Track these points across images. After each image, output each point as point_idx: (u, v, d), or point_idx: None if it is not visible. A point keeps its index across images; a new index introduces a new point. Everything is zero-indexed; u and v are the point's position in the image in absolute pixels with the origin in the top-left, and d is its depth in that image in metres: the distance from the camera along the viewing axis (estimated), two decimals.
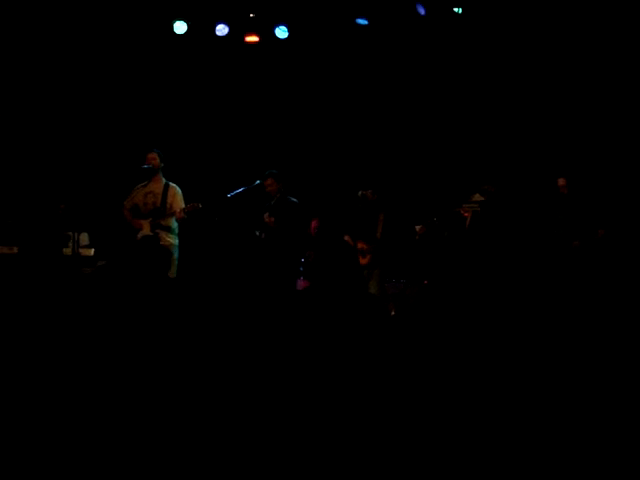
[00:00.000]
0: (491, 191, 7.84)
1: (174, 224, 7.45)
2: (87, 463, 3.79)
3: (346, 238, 7.91)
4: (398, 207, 7.97)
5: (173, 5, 9.13)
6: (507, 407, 4.72)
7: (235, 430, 4.37)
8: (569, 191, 7.82)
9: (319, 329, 6.76)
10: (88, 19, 9.00)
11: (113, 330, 7.00)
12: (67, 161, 9.17)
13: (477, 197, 7.75)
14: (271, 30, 9.24)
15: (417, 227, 7.79)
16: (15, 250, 7.87)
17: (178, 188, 7.52)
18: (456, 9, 8.91)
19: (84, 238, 8.15)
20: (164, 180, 7.53)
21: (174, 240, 7.46)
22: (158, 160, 7.50)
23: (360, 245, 7.74)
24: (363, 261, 7.73)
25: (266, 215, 7.77)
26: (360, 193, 7.84)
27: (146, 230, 7.39)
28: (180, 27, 9.14)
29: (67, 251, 7.86)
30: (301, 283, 8.42)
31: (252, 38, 9.34)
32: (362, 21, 9.15)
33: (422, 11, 8.91)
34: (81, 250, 7.89)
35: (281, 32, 9.22)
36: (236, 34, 9.30)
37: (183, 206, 7.35)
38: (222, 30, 9.20)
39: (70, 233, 7.88)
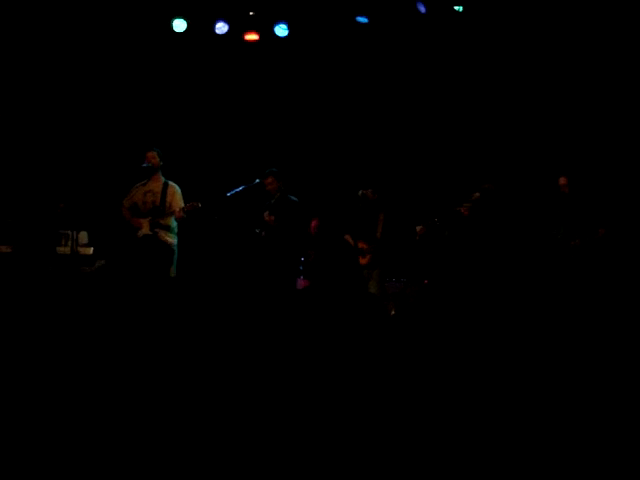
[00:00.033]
0: (491, 190, 7.82)
1: (173, 223, 7.43)
2: (87, 463, 3.77)
3: (346, 238, 7.90)
4: (398, 207, 7.95)
5: (172, 3, 9.10)
6: (507, 406, 4.71)
7: (235, 429, 4.35)
8: (570, 190, 7.80)
9: (319, 328, 6.74)
10: (87, 17, 8.97)
11: (113, 329, 6.98)
12: (66, 160, 9.14)
13: (477, 196, 7.73)
14: (271, 28, 9.21)
15: (417, 227, 7.77)
16: (9, 249, 7.85)
17: (177, 187, 7.50)
18: (457, 7, 8.89)
19: (83, 237, 8.13)
20: (163, 179, 7.51)
21: (173, 239, 7.44)
22: (157, 159, 7.48)
23: (360, 245, 7.73)
24: (363, 261, 7.72)
25: (266, 214, 7.75)
26: (360, 192, 7.82)
27: (145, 229, 7.37)
28: (179, 25, 9.11)
29: (66, 250, 7.85)
30: (301, 282, 8.40)
31: (252, 36, 9.31)
32: (362, 19, 9.12)
33: (422, 9, 8.89)
34: (80, 249, 7.87)
35: (281, 30, 9.19)
36: (236, 32, 9.27)
37: (182, 205, 7.32)
38: (222, 28, 9.18)
39: (68, 232, 7.86)
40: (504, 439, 4.14)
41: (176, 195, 7.44)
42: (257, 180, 7.75)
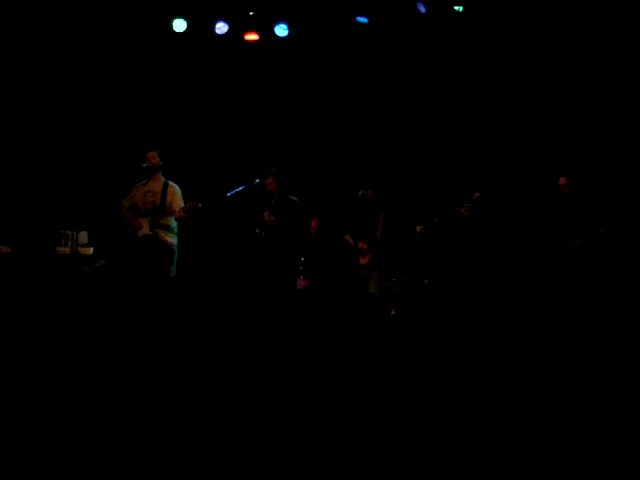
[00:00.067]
0: (491, 190, 7.82)
1: (173, 223, 7.42)
2: (87, 462, 3.76)
3: (346, 238, 7.90)
4: (398, 207, 7.95)
5: (172, 3, 9.10)
6: (506, 406, 4.71)
7: (234, 428, 4.35)
8: (570, 190, 7.80)
9: (318, 328, 6.74)
10: (87, 17, 8.97)
11: (113, 329, 6.98)
12: (66, 160, 9.14)
13: (477, 196, 7.73)
14: (271, 28, 9.20)
15: (418, 228, 7.77)
16: (9, 249, 7.85)
17: (177, 187, 7.50)
18: (457, 7, 8.89)
19: (83, 237, 8.13)
20: (163, 179, 7.51)
21: (173, 239, 7.43)
22: (157, 159, 7.47)
23: (360, 245, 7.73)
24: (363, 261, 7.71)
25: (266, 214, 7.74)
26: (360, 192, 7.82)
27: (145, 229, 7.36)
28: (179, 25, 9.11)
29: (66, 250, 7.85)
30: (301, 282, 8.40)
31: (252, 36, 9.31)
32: (362, 19, 9.12)
33: (422, 9, 8.89)
34: (80, 249, 7.87)
35: (281, 30, 9.19)
36: (236, 32, 9.27)
37: (182, 205, 7.32)
38: (222, 28, 9.17)
39: (68, 232, 7.86)
40: (504, 438, 4.14)
41: (176, 195, 7.43)
42: (257, 180, 7.75)
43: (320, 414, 4.59)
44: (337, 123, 9.59)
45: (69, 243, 7.75)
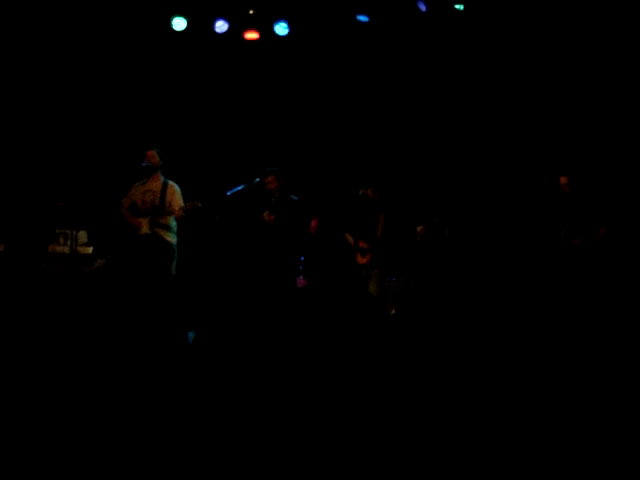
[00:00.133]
0: (490, 189, 7.82)
1: (173, 223, 7.41)
2: (87, 462, 3.75)
3: (347, 237, 7.89)
4: (399, 206, 7.94)
5: (172, 1, 9.08)
6: (506, 405, 4.69)
7: (234, 426, 4.34)
8: (571, 189, 7.79)
9: (317, 327, 6.73)
10: (86, 16, 8.95)
11: (113, 329, 6.97)
12: (66, 159, 9.13)
13: (477, 196, 7.74)
14: (271, 27, 9.18)
15: (418, 228, 7.76)
16: (2, 247, 7.85)
17: (177, 186, 7.48)
18: (457, 5, 8.87)
19: (83, 236, 8.12)
20: (163, 178, 7.49)
21: (173, 239, 7.42)
22: (157, 158, 7.46)
23: (361, 244, 7.72)
24: (363, 260, 7.70)
25: (266, 213, 7.73)
26: (361, 192, 7.82)
27: (145, 229, 7.35)
28: (179, 23, 9.08)
29: (65, 249, 7.83)
30: (301, 281, 8.39)
31: (252, 35, 9.28)
32: (363, 18, 9.10)
33: (423, 8, 8.87)
34: (80, 248, 7.86)
35: (281, 29, 9.16)
36: (236, 31, 9.25)
37: (182, 204, 7.30)
38: (221, 27, 9.15)
39: (67, 231, 7.85)
40: (503, 437, 4.13)
41: (176, 194, 7.41)
42: (257, 179, 7.73)
43: (319, 412, 4.58)
44: (337, 122, 9.57)
45: (68, 242, 7.74)
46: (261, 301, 7.62)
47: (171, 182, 7.49)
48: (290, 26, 9.18)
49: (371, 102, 9.53)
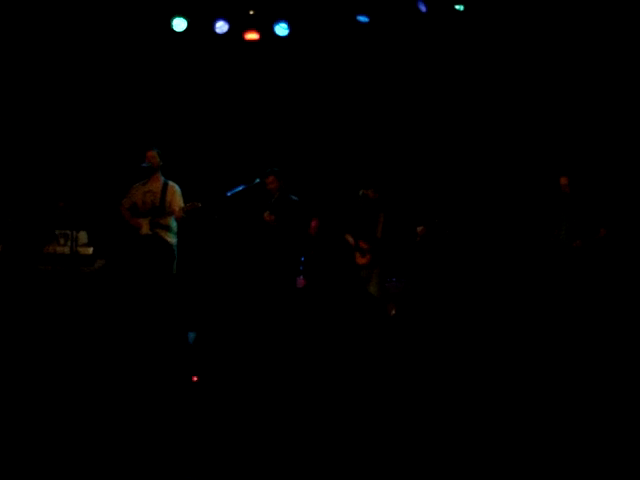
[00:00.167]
0: (490, 190, 7.83)
1: (173, 223, 7.40)
2: (87, 462, 3.75)
3: (347, 237, 7.88)
4: (399, 207, 7.94)
5: (172, 2, 9.08)
6: (506, 406, 4.69)
7: (233, 425, 4.34)
8: (571, 190, 7.79)
9: (317, 327, 6.72)
10: (86, 16, 8.95)
11: (113, 328, 6.96)
12: (66, 159, 9.12)
13: (477, 196, 7.74)
14: (271, 27, 9.18)
15: (418, 228, 7.76)
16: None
17: (177, 187, 7.48)
18: (457, 6, 8.87)
19: (83, 237, 8.12)
20: (163, 179, 7.49)
21: (173, 239, 7.41)
22: (157, 158, 7.45)
23: (361, 244, 7.71)
24: (363, 260, 7.70)
25: (266, 213, 7.72)
26: (361, 192, 7.81)
27: (145, 229, 7.34)
28: (179, 24, 9.09)
29: (65, 250, 7.83)
30: (301, 281, 8.40)
31: (252, 35, 9.28)
32: (363, 18, 9.10)
33: (423, 8, 8.87)
34: (80, 249, 7.86)
35: (281, 29, 9.16)
36: (236, 31, 9.25)
37: (182, 205, 7.30)
38: (222, 27, 9.15)
39: (68, 231, 7.85)
40: (503, 437, 4.13)
41: (176, 195, 7.41)
42: (257, 179, 7.72)
43: (319, 412, 4.57)
44: (338, 123, 9.57)
45: (69, 243, 7.73)
46: (261, 301, 7.61)
47: (171, 183, 7.48)
48: (290, 27, 9.18)
49: (371, 103, 9.53)
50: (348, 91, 9.56)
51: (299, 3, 9.14)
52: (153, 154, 7.45)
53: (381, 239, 7.73)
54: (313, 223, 8.43)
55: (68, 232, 7.85)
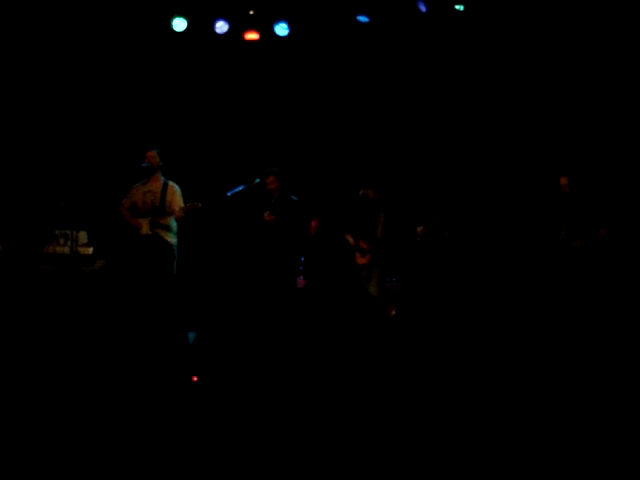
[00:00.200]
0: (490, 190, 7.83)
1: (173, 223, 7.40)
2: (87, 463, 3.75)
3: (347, 237, 7.88)
4: (399, 207, 7.94)
5: (172, 2, 9.08)
6: (506, 406, 4.69)
7: (233, 425, 4.34)
8: (571, 190, 7.79)
9: (317, 327, 6.72)
10: (86, 16, 8.95)
11: (113, 328, 6.96)
12: (66, 159, 9.12)
13: (477, 196, 7.74)
14: (271, 27, 9.18)
15: (418, 228, 7.76)
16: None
17: (177, 187, 7.48)
18: (457, 6, 8.87)
19: (83, 237, 8.12)
20: (163, 179, 7.49)
21: (173, 239, 7.41)
22: (157, 158, 7.45)
23: (361, 244, 7.72)
24: (363, 260, 7.70)
25: (266, 213, 7.72)
26: (361, 192, 7.81)
27: (145, 229, 7.34)
28: (179, 24, 9.09)
29: (65, 250, 7.83)
30: (301, 281, 8.40)
31: (252, 35, 9.28)
32: (363, 18, 9.10)
33: (423, 8, 8.87)
34: (80, 249, 7.86)
35: (281, 29, 9.16)
36: (236, 31, 9.25)
37: (182, 205, 7.30)
38: (222, 27, 9.15)
39: (68, 231, 7.85)
40: (503, 437, 4.13)
41: (176, 195, 7.41)
42: (257, 180, 7.73)
43: (319, 412, 4.57)
44: (338, 123, 9.57)
45: (69, 243, 7.73)
46: (261, 301, 7.61)
47: (171, 183, 7.48)
48: (290, 27, 9.18)
49: (371, 103, 9.53)
50: (348, 91, 9.56)
51: (299, 3, 9.15)
52: (153, 154, 7.45)
53: (381, 239, 7.73)
54: (313, 223, 8.43)
55: (68, 232, 7.85)
